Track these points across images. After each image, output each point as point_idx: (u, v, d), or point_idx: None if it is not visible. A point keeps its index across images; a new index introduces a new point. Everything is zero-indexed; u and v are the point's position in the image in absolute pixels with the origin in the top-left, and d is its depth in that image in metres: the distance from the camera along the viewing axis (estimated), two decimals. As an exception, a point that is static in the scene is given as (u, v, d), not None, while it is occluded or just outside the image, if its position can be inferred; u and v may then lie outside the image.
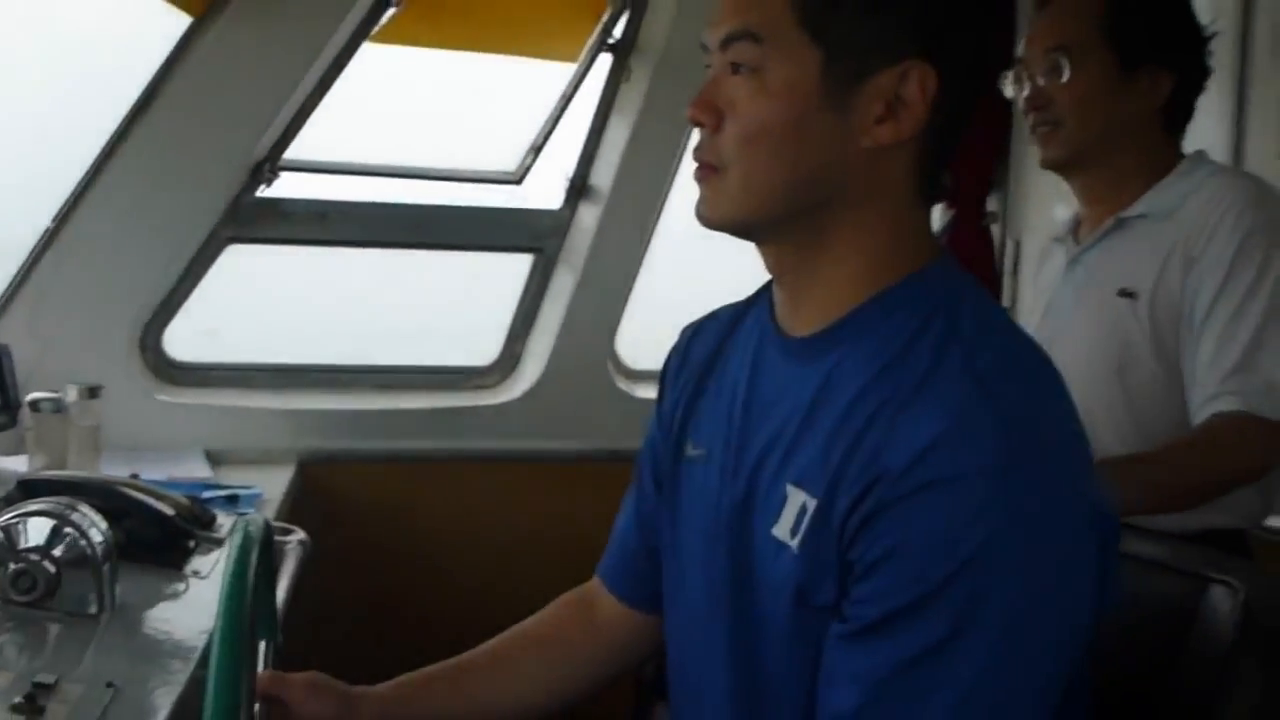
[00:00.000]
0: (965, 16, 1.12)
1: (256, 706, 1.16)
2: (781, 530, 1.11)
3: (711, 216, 1.16)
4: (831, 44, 1.08)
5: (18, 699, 1.26)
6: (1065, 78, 1.91)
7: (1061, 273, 2.05)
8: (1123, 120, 1.92)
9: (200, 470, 2.49)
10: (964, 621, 0.98)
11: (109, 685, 1.36)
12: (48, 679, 1.32)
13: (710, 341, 1.32)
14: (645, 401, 2.99)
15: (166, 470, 2.38)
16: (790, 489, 1.11)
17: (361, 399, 2.96)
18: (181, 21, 2.54)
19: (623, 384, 3.09)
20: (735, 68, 1.11)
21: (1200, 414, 1.80)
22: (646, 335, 3.11)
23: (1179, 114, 1.96)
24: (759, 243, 1.18)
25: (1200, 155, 1.98)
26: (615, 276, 3.04)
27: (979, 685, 0.98)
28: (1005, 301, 3.14)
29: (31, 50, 2.54)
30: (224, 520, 2.03)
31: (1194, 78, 1.96)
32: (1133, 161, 1.95)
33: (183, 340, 2.82)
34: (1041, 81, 1.94)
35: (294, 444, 2.75)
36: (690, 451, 1.28)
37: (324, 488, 2.73)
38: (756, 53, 1.09)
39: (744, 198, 1.13)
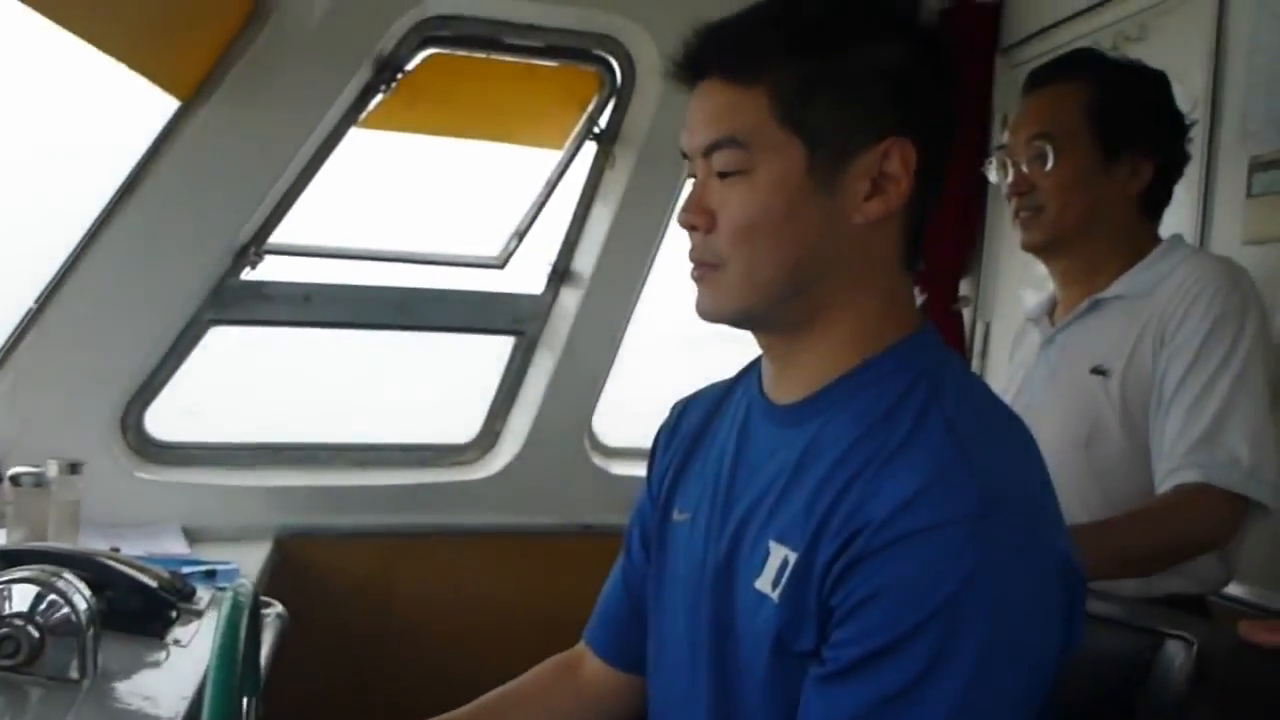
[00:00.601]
0: (933, 88, 1.18)
1: None
2: (763, 583, 1.15)
3: (715, 311, 1.20)
4: (812, 136, 1.14)
5: (1, 760, 1.28)
6: (1050, 165, 1.96)
7: (1036, 351, 2.10)
8: (1103, 206, 1.97)
9: (178, 546, 2.49)
10: (938, 661, 1.02)
11: (91, 749, 1.37)
12: (31, 741, 1.34)
13: (699, 415, 1.38)
14: (621, 478, 3.06)
15: (145, 546, 2.39)
16: (773, 545, 1.15)
17: (340, 476, 2.98)
18: (169, 105, 2.59)
19: (599, 461, 3.13)
20: (723, 174, 1.17)
21: (1164, 485, 1.84)
22: (622, 414, 3.16)
23: (1158, 199, 2.02)
24: (756, 330, 1.23)
25: (1177, 239, 2.02)
26: (594, 358, 3.09)
27: (955, 717, 1.02)
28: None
29: (21, 127, 2.58)
30: (204, 594, 2.04)
31: (1174, 164, 2.02)
32: (1111, 245, 2.00)
33: (164, 419, 2.83)
34: (1025, 168, 1.99)
35: (271, 520, 2.76)
36: (677, 516, 1.33)
37: (301, 562, 2.74)
38: (742, 157, 1.15)
39: (746, 290, 1.17)
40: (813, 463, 1.15)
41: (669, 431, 1.42)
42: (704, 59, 1.18)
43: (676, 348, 3.23)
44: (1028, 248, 2.05)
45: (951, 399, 1.13)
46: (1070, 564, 1.10)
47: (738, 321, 1.21)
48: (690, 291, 1.23)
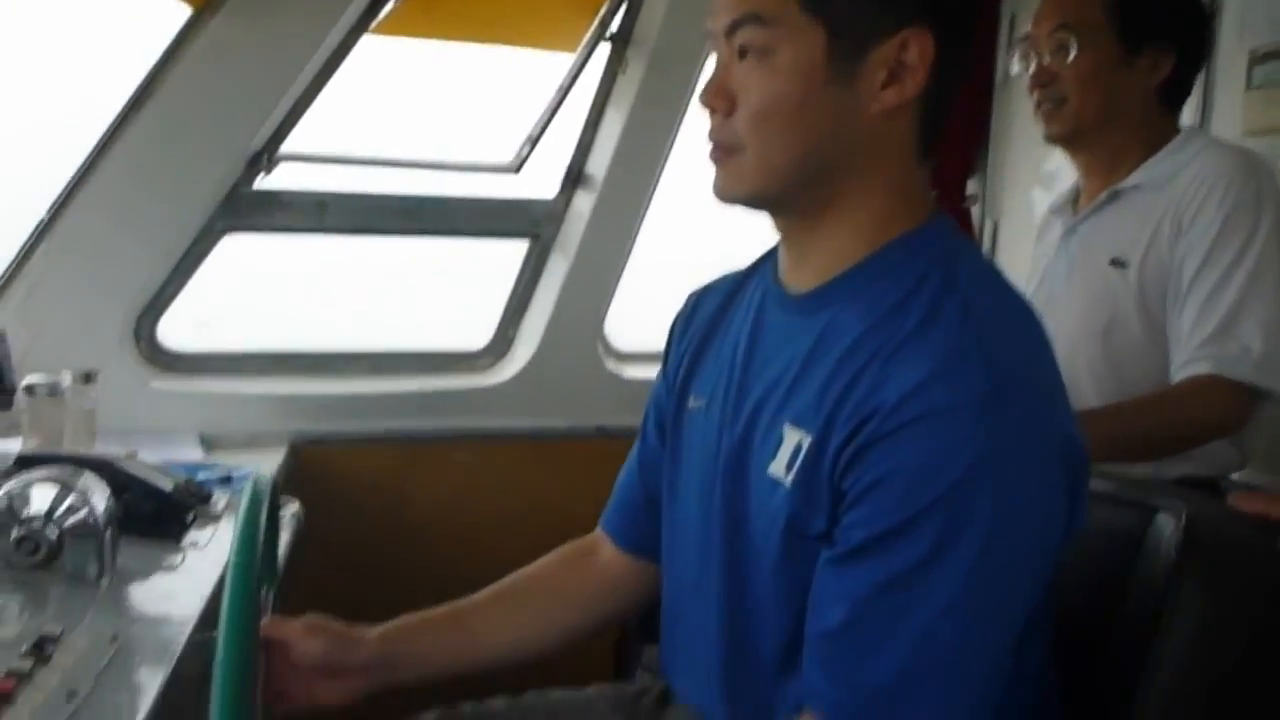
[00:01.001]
0: None
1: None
2: (777, 468, 1.18)
3: (731, 193, 1.23)
4: (833, 22, 1.15)
5: (25, 647, 1.31)
6: (1071, 56, 1.99)
7: (1057, 242, 2.12)
8: (1124, 97, 2.00)
9: (194, 454, 2.51)
10: (945, 541, 1.05)
11: (113, 639, 1.40)
12: (54, 630, 1.37)
13: (714, 304, 1.41)
14: (633, 382, 3.09)
15: (161, 454, 2.39)
16: (787, 428, 1.18)
17: (355, 383, 3.00)
18: (182, 12, 2.57)
19: (611, 365, 3.15)
20: (743, 52, 1.18)
21: (1178, 376, 1.89)
22: (635, 318, 3.17)
23: (1178, 91, 2.05)
24: (772, 213, 1.25)
25: (1195, 130, 2.07)
26: (607, 262, 3.09)
27: (956, 601, 1.06)
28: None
29: (31, 37, 2.57)
30: (220, 498, 2.06)
31: (1194, 57, 2.04)
32: (1131, 136, 2.02)
33: (178, 328, 2.84)
34: (1047, 60, 2.02)
35: (287, 427, 2.77)
36: (692, 404, 1.37)
37: (317, 469, 2.75)
38: (764, 35, 1.16)
39: (762, 174, 1.20)
40: (827, 350, 1.18)
41: (685, 319, 1.45)
42: None
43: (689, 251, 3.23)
44: (1050, 139, 2.08)
45: (966, 284, 1.15)
46: (1075, 445, 1.13)
47: (753, 203, 1.23)
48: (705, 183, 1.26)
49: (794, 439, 1.17)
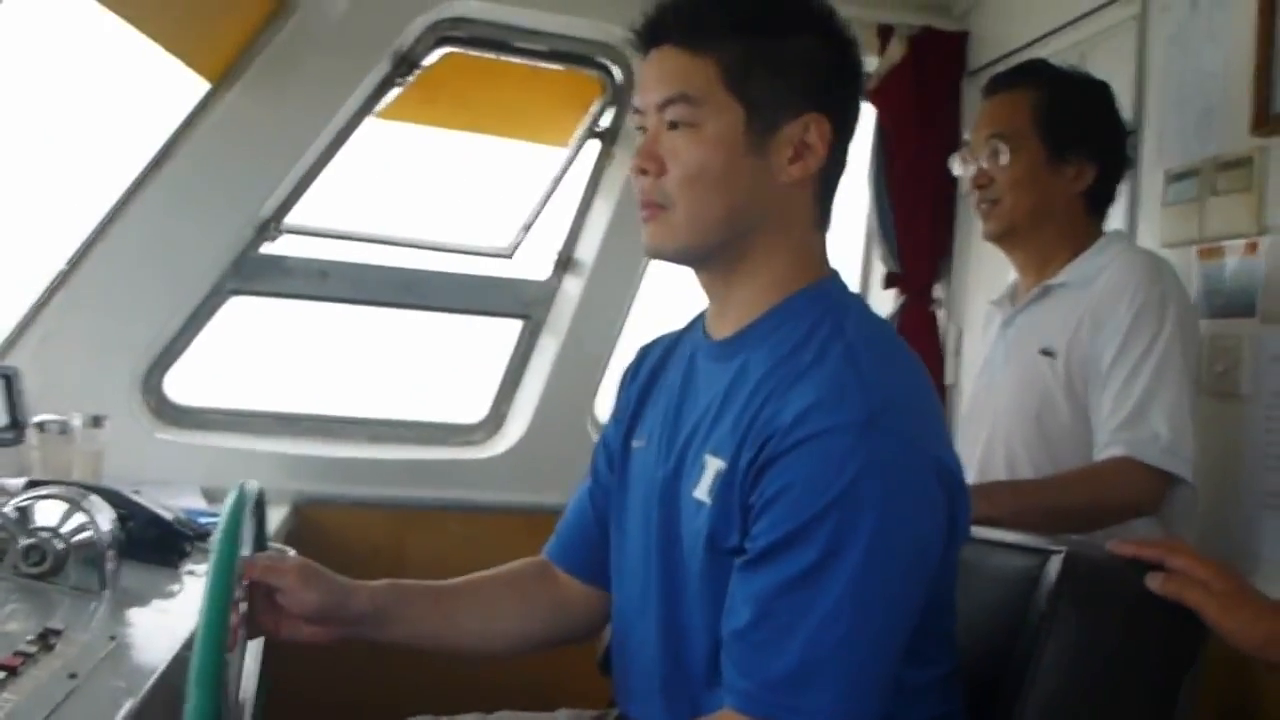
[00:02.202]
0: (845, 75, 1.41)
1: (243, 606, 1.35)
2: (700, 491, 1.35)
3: (660, 248, 1.41)
4: (751, 102, 1.35)
5: (31, 637, 1.39)
6: (1003, 161, 2.18)
7: (997, 332, 2.28)
8: (1052, 200, 2.19)
9: (197, 504, 2.60)
10: (835, 546, 1.21)
11: (112, 638, 1.48)
12: (57, 626, 1.45)
13: (655, 357, 1.59)
14: (622, 461, 3.15)
15: (165, 500, 2.48)
16: (708, 457, 1.35)
17: (354, 448, 3.11)
18: (200, 87, 2.74)
19: (602, 443, 3.22)
20: (673, 125, 1.37)
21: (1098, 457, 2.04)
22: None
23: (1102, 198, 2.23)
24: (695, 267, 1.44)
25: (1116, 234, 2.26)
26: (596, 342, 3.22)
27: (845, 598, 1.21)
28: (948, 379, 3.35)
29: (59, 102, 2.72)
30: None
31: (1115, 167, 2.23)
32: (1059, 237, 2.21)
33: (183, 384, 2.95)
34: (984, 164, 2.21)
35: (288, 486, 2.85)
36: (635, 444, 1.53)
37: (317, 528, 2.85)
38: (693, 112, 1.36)
39: (690, 230, 1.38)
40: (740, 387, 1.35)
41: (632, 371, 1.62)
42: (662, 28, 1.39)
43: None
44: (987, 236, 2.27)
45: (852, 331, 1.33)
46: (948, 469, 1.29)
47: (680, 258, 1.42)
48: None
49: (714, 466, 1.33)
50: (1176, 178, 2.40)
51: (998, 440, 2.22)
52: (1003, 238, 2.25)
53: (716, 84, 1.34)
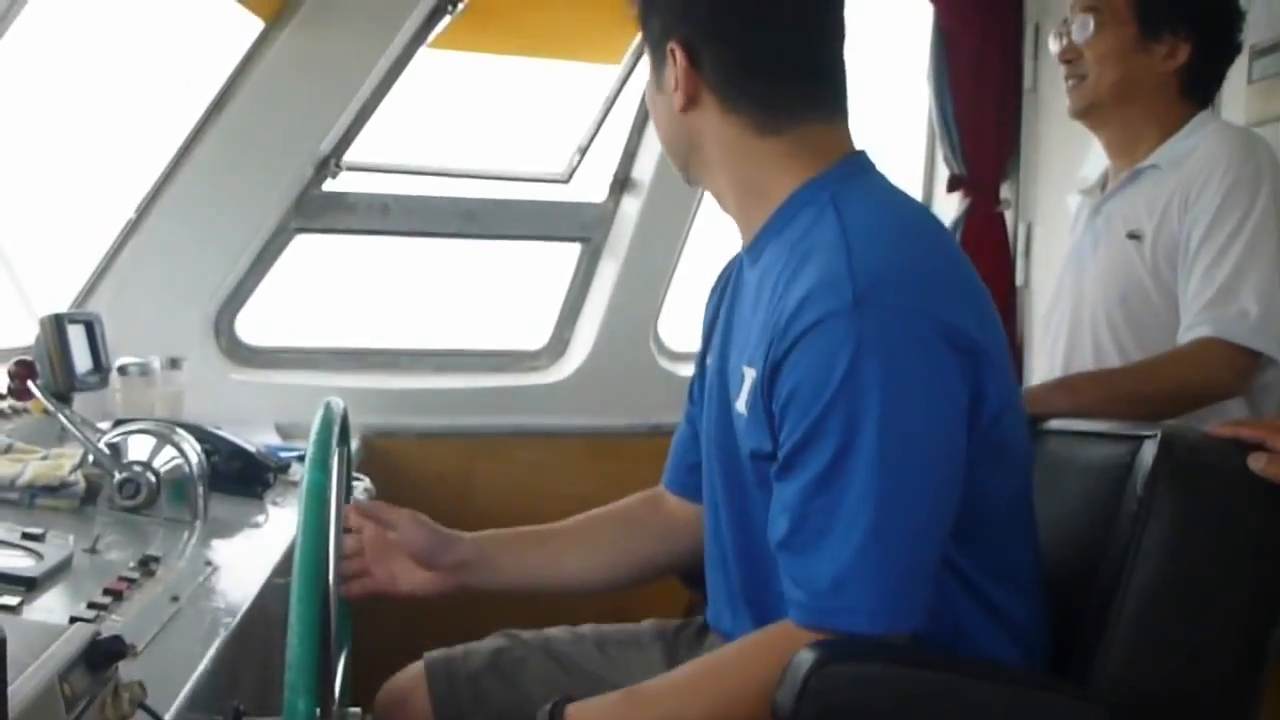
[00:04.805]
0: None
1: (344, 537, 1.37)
2: (741, 404, 1.37)
3: None
4: (651, 50, 1.45)
5: (132, 564, 1.45)
6: (1091, 35, 2.12)
7: (1086, 221, 2.24)
8: (1140, 79, 2.11)
9: (273, 440, 2.66)
10: (846, 439, 1.21)
11: (207, 563, 1.55)
12: (156, 554, 1.51)
13: (730, 273, 1.58)
14: (686, 380, 3.15)
15: (242, 437, 2.55)
16: (745, 369, 1.36)
17: (421, 379, 3.15)
18: (254, 26, 2.76)
19: (665, 364, 3.26)
20: None
21: (1183, 339, 1.99)
22: (688, 318, 3.27)
23: (1199, 80, 2.14)
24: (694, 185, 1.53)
25: (1208, 114, 2.16)
26: (656, 263, 3.22)
27: (869, 488, 1.20)
28: (1019, 281, 3.33)
29: (118, 54, 2.75)
30: (297, 469, 2.20)
31: (1215, 49, 2.14)
32: (1146, 117, 2.14)
33: (254, 324, 3.01)
34: (1075, 37, 2.15)
35: (358, 420, 2.88)
36: (709, 362, 1.55)
37: (387, 461, 2.89)
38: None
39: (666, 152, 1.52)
40: (763, 293, 1.36)
41: (713, 288, 1.62)
42: None
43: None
44: (1071, 113, 2.21)
45: (849, 213, 1.31)
46: (963, 334, 1.25)
47: (682, 175, 1.51)
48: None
49: (750, 376, 1.34)
50: (1262, 53, 2.31)
51: (1083, 329, 2.17)
52: (1086, 114, 2.19)
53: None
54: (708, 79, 1.39)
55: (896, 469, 1.20)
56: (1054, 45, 2.22)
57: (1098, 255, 2.18)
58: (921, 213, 1.43)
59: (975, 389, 1.26)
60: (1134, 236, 2.09)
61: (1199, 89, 2.16)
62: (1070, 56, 2.16)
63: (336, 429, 1.38)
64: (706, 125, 1.41)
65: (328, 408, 1.38)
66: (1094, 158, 2.68)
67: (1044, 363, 2.30)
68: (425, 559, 1.54)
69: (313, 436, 1.32)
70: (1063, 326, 2.23)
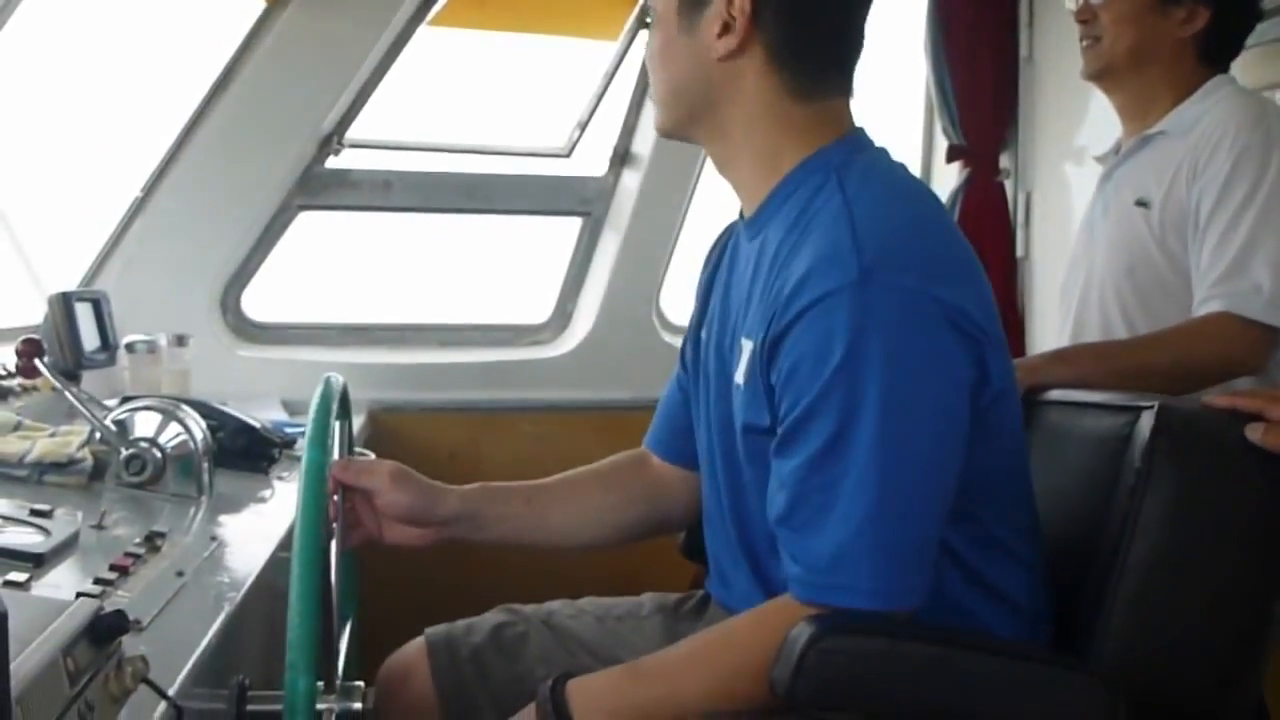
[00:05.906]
0: None
1: (336, 498, 1.42)
2: (740, 375, 1.37)
3: (655, 124, 1.49)
4: None
5: (139, 539, 1.47)
6: None
7: (1097, 188, 2.23)
8: (1155, 43, 2.08)
9: (279, 415, 2.69)
10: (847, 416, 1.21)
11: (212, 539, 1.57)
12: (161, 529, 1.53)
13: (725, 243, 1.58)
14: (690, 354, 3.20)
15: (248, 413, 2.58)
16: (743, 340, 1.36)
17: (425, 354, 3.18)
18: (255, 6, 2.78)
19: (668, 337, 3.28)
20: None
21: (1195, 313, 1.96)
22: (689, 290, 3.29)
23: (1217, 46, 2.11)
24: (694, 143, 1.48)
25: (1221, 79, 2.11)
26: (657, 236, 3.24)
27: (869, 466, 1.21)
28: (1019, 251, 3.33)
29: (124, 35, 2.78)
30: (303, 444, 2.22)
31: (1233, 16, 2.11)
32: (1160, 82, 2.11)
33: (259, 301, 3.04)
34: None
35: (363, 395, 2.93)
36: (703, 334, 1.55)
37: (392, 435, 2.92)
38: (654, 2, 1.43)
39: (659, 106, 1.46)
40: (763, 265, 1.36)
41: (707, 259, 1.63)
42: None
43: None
44: (1085, 75, 2.18)
45: (852, 186, 1.31)
46: (965, 314, 1.25)
47: (668, 134, 1.47)
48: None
49: (748, 348, 1.34)
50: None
51: (1092, 299, 2.14)
52: (1100, 77, 2.16)
53: None
54: (766, 29, 1.34)
55: (897, 447, 1.21)
56: (1070, 4, 2.18)
57: (1108, 222, 2.15)
58: (923, 190, 1.43)
59: (979, 370, 1.27)
60: (1142, 204, 2.06)
61: (1217, 55, 2.12)
62: (1086, 16, 2.12)
63: (335, 405, 1.41)
64: (744, 77, 1.37)
65: (326, 384, 1.41)
66: (1092, 125, 2.67)
67: (1053, 338, 2.27)
68: (412, 519, 1.54)
69: (311, 413, 1.35)
70: (1073, 299, 2.20)
